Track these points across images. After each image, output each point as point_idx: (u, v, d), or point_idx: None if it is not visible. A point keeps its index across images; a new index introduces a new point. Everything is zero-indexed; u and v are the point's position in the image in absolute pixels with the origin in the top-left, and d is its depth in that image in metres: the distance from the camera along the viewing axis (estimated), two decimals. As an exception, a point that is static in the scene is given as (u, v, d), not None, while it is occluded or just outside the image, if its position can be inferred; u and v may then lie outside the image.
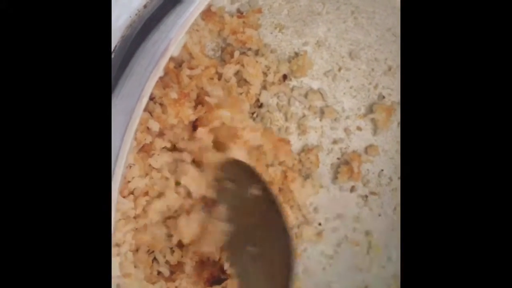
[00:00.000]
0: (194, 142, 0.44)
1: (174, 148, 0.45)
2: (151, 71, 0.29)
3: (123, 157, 0.31)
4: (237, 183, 0.45)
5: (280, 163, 0.50)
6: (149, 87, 0.29)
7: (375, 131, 0.52)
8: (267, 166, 0.49)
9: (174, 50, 0.30)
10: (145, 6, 0.50)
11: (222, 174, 0.45)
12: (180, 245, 0.45)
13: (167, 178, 0.43)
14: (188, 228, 0.43)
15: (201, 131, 0.44)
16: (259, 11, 0.48)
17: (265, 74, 0.49)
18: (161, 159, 0.43)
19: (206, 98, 0.43)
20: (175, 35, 0.30)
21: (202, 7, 0.33)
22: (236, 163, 0.44)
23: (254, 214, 0.45)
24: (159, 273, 0.45)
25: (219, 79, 0.47)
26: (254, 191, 0.44)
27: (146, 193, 0.42)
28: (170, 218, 0.44)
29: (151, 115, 0.42)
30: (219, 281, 0.46)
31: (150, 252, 0.44)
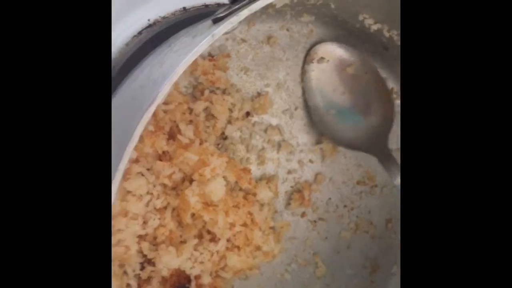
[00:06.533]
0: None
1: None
2: (139, 120, 0.31)
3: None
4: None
5: (241, 189, 0.52)
6: (138, 133, 0.31)
7: (322, 159, 0.57)
8: (231, 190, 0.52)
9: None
10: (127, 44, 0.55)
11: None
12: (151, 262, 0.47)
13: (141, 200, 0.46)
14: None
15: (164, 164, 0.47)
16: (228, 55, 0.51)
17: (230, 110, 0.51)
18: (136, 183, 0.46)
19: (179, 136, 0.46)
20: (164, 89, 0.32)
21: (191, 61, 0.35)
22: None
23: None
24: (128, 285, 0.47)
25: (190, 113, 0.49)
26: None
27: (126, 214, 0.44)
28: (142, 238, 0.47)
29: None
30: (183, 288, 0.48)
31: (121, 265, 0.47)
